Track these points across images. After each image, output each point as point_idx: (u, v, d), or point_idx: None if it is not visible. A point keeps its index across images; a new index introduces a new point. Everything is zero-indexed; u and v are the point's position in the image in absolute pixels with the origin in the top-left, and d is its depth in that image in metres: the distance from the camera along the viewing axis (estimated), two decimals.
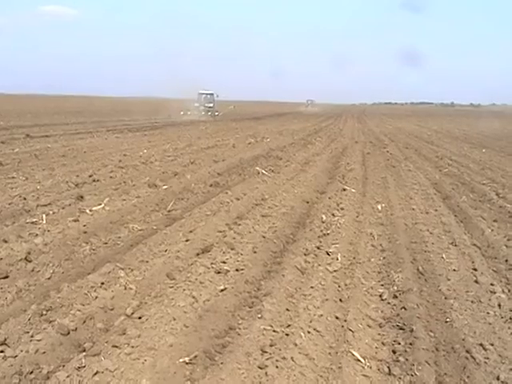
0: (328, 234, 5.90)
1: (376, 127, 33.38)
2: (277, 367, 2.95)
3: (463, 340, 3.44)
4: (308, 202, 7.83)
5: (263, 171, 10.50)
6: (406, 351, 3.27)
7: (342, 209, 7.23)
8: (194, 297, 3.87)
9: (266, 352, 3.13)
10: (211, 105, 37.72)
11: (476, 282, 4.58)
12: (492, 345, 3.39)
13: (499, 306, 4.04)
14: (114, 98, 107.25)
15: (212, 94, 38.53)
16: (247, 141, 17.97)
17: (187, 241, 5.34)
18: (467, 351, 3.29)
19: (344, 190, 8.80)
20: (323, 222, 6.44)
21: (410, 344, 3.33)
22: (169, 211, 6.93)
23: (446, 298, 4.16)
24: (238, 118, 39.17)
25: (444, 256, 5.28)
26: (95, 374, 2.85)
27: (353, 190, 8.75)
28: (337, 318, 3.70)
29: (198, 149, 14.87)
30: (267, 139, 19.00)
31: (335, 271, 4.64)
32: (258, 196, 7.99)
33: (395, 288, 4.34)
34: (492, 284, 4.49)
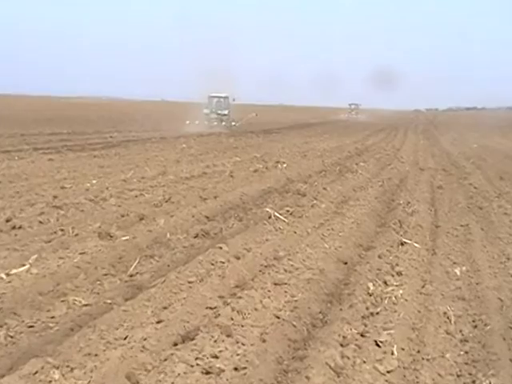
0: (378, 313, 5.91)
1: (452, 145, 33.65)
2: None
3: None
4: (346, 263, 7.87)
5: (277, 214, 10.58)
6: None
7: (400, 274, 7.24)
8: None
9: None
10: (226, 112, 39.54)
11: None
12: None
13: None
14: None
15: (226, 98, 40.12)
16: (252, 167, 18.23)
17: (159, 322, 5.39)
18: None
19: (402, 244, 8.83)
20: (370, 295, 6.46)
21: None
22: (131, 276, 7.00)
23: None
24: (240, 130, 39.70)
25: None
26: None
27: (416, 245, 8.78)
28: None
29: (177, 179, 15.10)
30: (283, 164, 19.24)
31: (389, 372, 4.63)
32: (270, 253, 8.06)
33: None
34: None
